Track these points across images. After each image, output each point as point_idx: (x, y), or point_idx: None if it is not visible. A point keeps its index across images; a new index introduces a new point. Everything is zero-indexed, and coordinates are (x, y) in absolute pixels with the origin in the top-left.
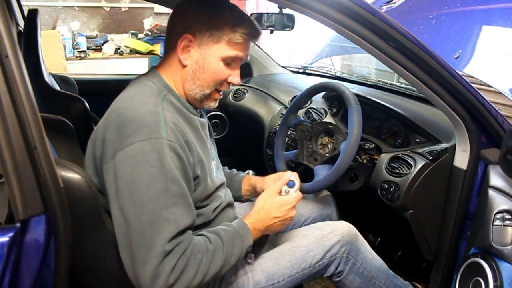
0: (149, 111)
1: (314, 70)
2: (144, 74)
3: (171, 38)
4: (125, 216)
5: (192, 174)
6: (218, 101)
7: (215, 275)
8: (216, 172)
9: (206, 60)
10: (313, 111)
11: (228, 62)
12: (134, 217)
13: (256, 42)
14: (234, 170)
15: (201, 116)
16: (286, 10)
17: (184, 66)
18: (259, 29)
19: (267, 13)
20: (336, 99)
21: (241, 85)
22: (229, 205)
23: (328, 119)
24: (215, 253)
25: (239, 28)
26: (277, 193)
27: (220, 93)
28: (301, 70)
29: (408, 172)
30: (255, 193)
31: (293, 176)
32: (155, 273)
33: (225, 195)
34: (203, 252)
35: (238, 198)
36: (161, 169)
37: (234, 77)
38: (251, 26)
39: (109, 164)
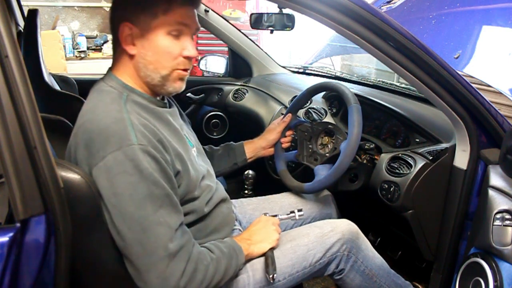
0: (114, 119)
1: (314, 70)
2: (101, 79)
3: (113, 34)
4: (117, 229)
5: (172, 172)
6: (183, 81)
7: (217, 284)
8: (198, 159)
9: (151, 41)
10: (313, 111)
11: (174, 34)
12: (126, 228)
13: (199, 11)
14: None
15: (170, 106)
16: (286, 10)
17: (132, 57)
18: None
19: (267, 13)
20: (336, 99)
21: (241, 85)
22: (223, 200)
23: (328, 119)
24: (219, 262)
25: None
26: None
27: (186, 71)
28: (301, 70)
29: (408, 172)
30: (259, 150)
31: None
32: (163, 277)
33: (217, 188)
34: (208, 260)
35: (243, 162)
36: (140, 175)
37: (189, 49)
38: None
39: None
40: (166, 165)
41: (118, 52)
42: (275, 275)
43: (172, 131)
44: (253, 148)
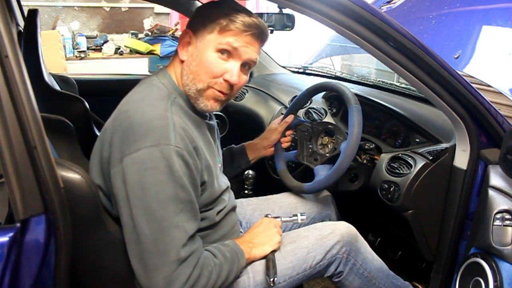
0: (158, 115)
1: (314, 70)
2: (155, 74)
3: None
4: (135, 222)
5: (199, 180)
6: (219, 102)
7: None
8: (221, 175)
9: (200, 51)
10: (313, 111)
11: (222, 52)
12: (144, 223)
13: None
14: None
15: (210, 119)
16: (286, 10)
17: (182, 62)
18: (258, 21)
19: (267, 13)
20: (336, 99)
21: None
22: (233, 209)
23: (328, 119)
24: (222, 267)
25: (233, 16)
26: None
27: (222, 93)
28: (301, 70)
29: (408, 172)
30: (261, 150)
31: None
32: (169, 280)
33: (229, 198)
34: (212, 266)
35: (247, 164)
36: (170, 176)
37: (230, 74)
38: (247, 16)
39: (116, 168)
40: (196, 172)
41: (175, 55)
42: (275, 279)
43: (207, 142)
44: (254, 149)
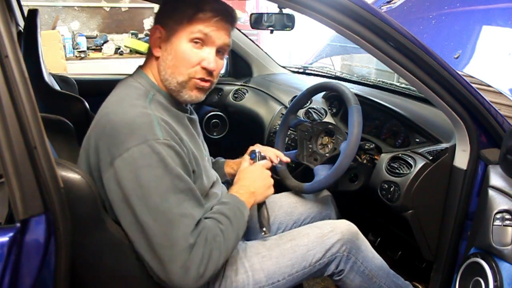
0: (139, 113)
1: (314, 70)
2: (130, 75)
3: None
4: (140, 221)
5: (191, 168)
6: (203, 91)
7: (232, 249)
8: (209, 168)
9: (173, 45)
10: (313, 111)
11: (196, 41)
12: (150, 220)
13: (236, 26)
14: (212, 158)
15: (191, 113)
16: (286, 10)
17: (157, 59)
18: (224, 5)
19: (267, 13)
20: (336, 99)
21: (241, 85)
22: None
23: (328, 119)
24: (228, 231)
25: (199, 4)
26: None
27: (203, 81)
28: (301, 70)
29: (408, 172)
30: (234, 173)
31: (256, 150)
32: (186, 267)
33: (222, 192)
34: (219, 235)
35: (222, 178)
36: (165, 168)
37: (207, 61)
38: (212, 1)
39: (108, 173)
40: (187, 160)
41: (149, 52)
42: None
43: (190, 135)
44: (230, 169)
